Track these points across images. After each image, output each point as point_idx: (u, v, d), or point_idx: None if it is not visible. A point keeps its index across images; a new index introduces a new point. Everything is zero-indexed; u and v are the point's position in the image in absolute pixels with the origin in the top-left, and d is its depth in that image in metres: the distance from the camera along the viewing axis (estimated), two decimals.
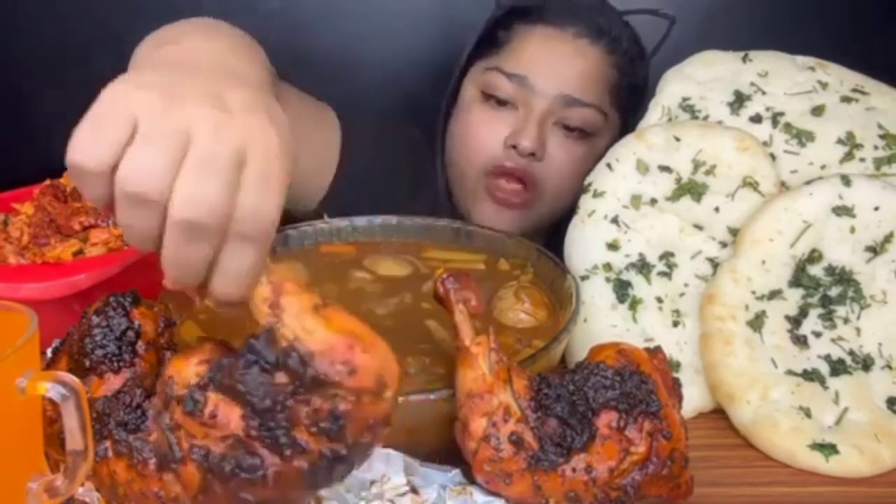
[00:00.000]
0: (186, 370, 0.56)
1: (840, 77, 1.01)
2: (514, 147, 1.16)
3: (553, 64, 1.17)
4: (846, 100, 0.98)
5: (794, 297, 0.86)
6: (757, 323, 0.85)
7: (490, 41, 1.24)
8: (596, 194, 0.95)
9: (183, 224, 0.50)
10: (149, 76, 0.57)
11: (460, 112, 1.25)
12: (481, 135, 1.19)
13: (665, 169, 0.94)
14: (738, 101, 1.00)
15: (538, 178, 1.18)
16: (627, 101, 1.23)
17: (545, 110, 1.16)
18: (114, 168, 0.51)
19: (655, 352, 0.68)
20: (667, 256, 0.92)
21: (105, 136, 0.51)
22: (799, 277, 0.86)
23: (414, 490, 0.63)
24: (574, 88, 1.16)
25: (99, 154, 0.51)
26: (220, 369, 0.53)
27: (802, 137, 0.96)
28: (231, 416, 0.53)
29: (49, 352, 0.74)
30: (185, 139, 0.50)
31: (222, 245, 0.52)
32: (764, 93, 1.00)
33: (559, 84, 1.16)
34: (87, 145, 0.51)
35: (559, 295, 0.87)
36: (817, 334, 0.84)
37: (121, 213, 0.52)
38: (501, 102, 1.18)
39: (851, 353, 0.83)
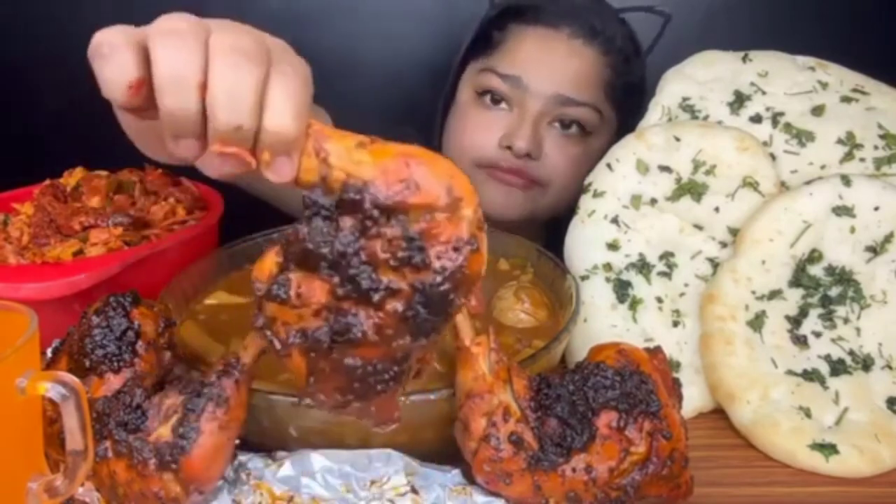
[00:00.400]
0: (265, 263, 0.54)
1: (840, 77, 1.01)
2: (509, 148, 1.16)
3: (548, 64, 1.17)
4: (846, 100, 0.98)
5: (794, 297, 0.86)
6: (757, 323, 0.85)
7: (485, 41, 1.24)
8: (596, 194, 0.95)
9: (228, 48, 0.50)
10: None
11: (456, 112, 1.25)
12: (476, 136, 1.20)
13: (665, 169, 0.94)
14: (738, 101, 1.00)
15: (537, 177, 1.18)
16: (624, 100, 1.23)
17: (540, 111, 1.16)
18: (141, 45, 0.50)
19: (655, 352, 0.68)
20: (667, 256, 0.92)
21: (128, 27, 0.51)
22: (799, 277, 0.86)
23: (414, 490, 0.63)
24: (569, 88, 1.16)
25: (124, 29, 0.51)
26: (289, 243, 0.52)
27: (802, 137, 0.96)
28: (314, 288, 0.52)
29: (49, 352, 0.74)
30: (207, 28, 0.52)
31: (267, 82, 0.51)
32: (764, 93, 1.00)
33: (554, 84, 1.16)
34: (112, 29, 0.51)
35: (559, 295, 0.87)
36: (817, 334, 0.84)
37: (158, 56, 0.49)
38: (496, 101, 1.18)
39: (851, 353, 0.83)
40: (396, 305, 0.50)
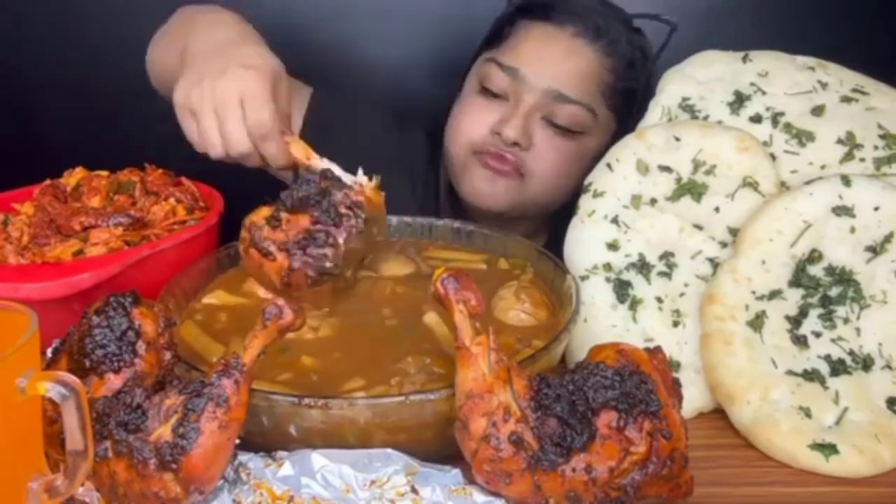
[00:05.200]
0: (259, 215, 0.82)
1: (840, 77, 1.01)
2: (500, 135, 1.18)
3: (546, 59, 1.19)
4: (846, 100, 0.98)
5: (794, 297, 0.86)
6: (757, 323, 0.84)
7: (497, 36, 1.27)
8: (596, 194, 0.95)
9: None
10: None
11: (460, 101, 1.28)
12: (472, 121, 1.22)
13: (665, 169, 0.94)
14: (738, 101, 1.00)
15: (524, 165, 1.20)
16: (624, 106, 1.23)
17: (534, 104, 1.18)
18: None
19: (655, 352, 0.68)
20: (667, 256, 0.92)
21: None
22: (799, 277, 0.86)
23: (414, 490, 0.63)
24: (564, 85, 1.17)
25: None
26: (288, 197, 0.81)
27: (802, 137, 0.96)
28: (300, 221, 0.80)
29: (49, 352, 0.74)
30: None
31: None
32: (764, 93, 1.00)
33: (549, 79, 1.17)
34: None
35: (559, 295, 0.87)
36: (817, 334, 0.84)
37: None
38: (496, 96, 1.20)
39: (851, 353, 0.83)
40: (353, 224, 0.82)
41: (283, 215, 0.81)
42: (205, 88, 0.88)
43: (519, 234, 1.02)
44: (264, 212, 0.82)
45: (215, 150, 0.90)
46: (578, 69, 1.19)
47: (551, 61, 1.19)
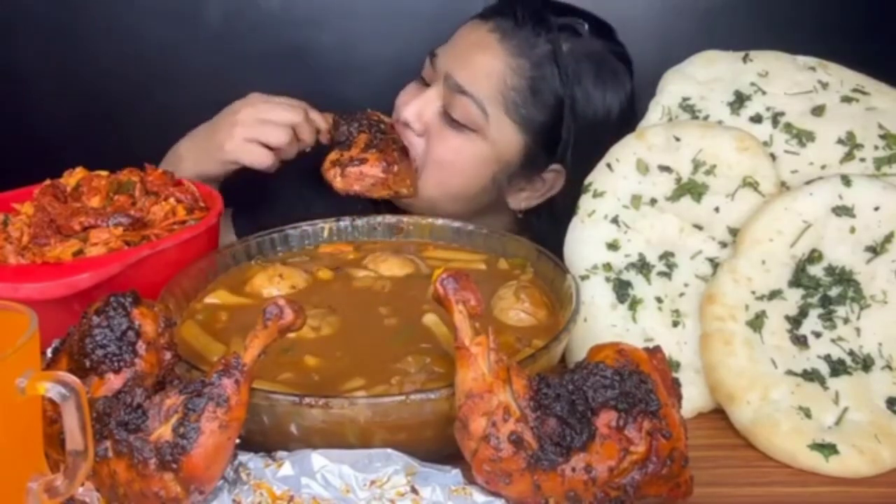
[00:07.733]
0: (328, 159, 1.18)
1: (840, 77, 1.01)
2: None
3: (458, 49, 1.20)
4: (846, 100, 0.98)
5: (794, 297, 0.86)
6: (757, 323, 0.84)
7: None
8: (596, 194, 0.95)
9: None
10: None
11: None
12: (398, 101, 1.24)
13: (665, 169, 0.94)
14: (739, 101, 1.00)
15: (418, 151, 1.20)
16: (535, 116, 1.17)
17: (438, 91, 1.18)
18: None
19: (655, 351, 0.68)
20: (667, 256, 0.92)
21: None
22: (799, 277, 0.86)
23: (414, 490, 0.63)
24: (464, 76, 1.15)
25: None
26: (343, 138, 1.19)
27: (803, 137, 0.96)
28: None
29: (49, 352, 0.74)
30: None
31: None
32: (764, 93, 1.00)
33: (453, 67, 1.16)
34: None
35: (559, 295, 0.87)
36: (817, 334, 0.84)
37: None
38: (427, 84, 1.22)
39: (851, 353, 0.83)
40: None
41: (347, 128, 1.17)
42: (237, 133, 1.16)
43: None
44: (331, 156, 1.16)
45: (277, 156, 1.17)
46: (484, 64, 1.16)
47: (461, 51, 1.19)
